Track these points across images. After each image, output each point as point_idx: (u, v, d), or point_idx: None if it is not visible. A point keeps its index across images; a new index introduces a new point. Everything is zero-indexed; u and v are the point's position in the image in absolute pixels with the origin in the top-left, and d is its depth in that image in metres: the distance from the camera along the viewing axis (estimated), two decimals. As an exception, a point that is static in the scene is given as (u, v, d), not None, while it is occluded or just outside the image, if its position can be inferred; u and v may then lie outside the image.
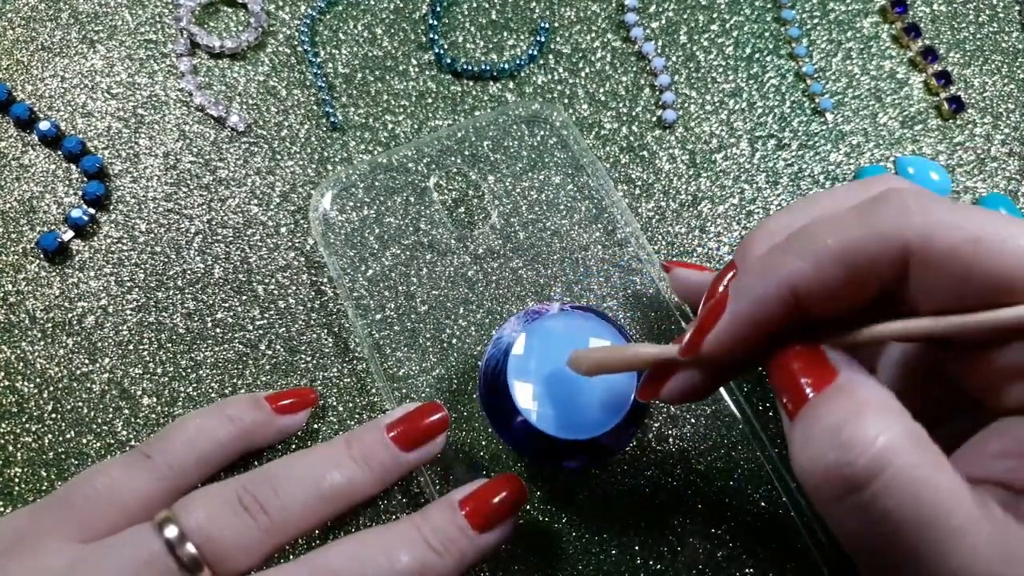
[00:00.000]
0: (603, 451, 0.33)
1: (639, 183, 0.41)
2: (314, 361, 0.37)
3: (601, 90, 0.43)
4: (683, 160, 0.42)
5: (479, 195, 0.39)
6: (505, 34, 0.44)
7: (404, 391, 0.35)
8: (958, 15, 0.47)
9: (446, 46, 0.44)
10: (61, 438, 0.35)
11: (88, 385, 0.36)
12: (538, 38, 0.44)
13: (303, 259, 0.39)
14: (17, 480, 0.35)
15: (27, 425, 0.35)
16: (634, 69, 0.44)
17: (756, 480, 0.34)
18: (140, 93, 0.42)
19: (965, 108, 0.44)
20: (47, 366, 0.36)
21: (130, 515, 0.29)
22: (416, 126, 0.42)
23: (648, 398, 0.28)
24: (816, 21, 0.46)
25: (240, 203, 0.40)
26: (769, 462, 0.34)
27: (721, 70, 0.44)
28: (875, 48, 0.45)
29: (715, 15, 0.46)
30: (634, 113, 0.43)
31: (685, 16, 0.46)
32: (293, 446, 0.35)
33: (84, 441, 0.35)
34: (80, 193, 0.40)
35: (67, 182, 0.40)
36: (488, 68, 0.43)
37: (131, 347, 0.37)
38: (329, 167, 0.41)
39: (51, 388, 0.36)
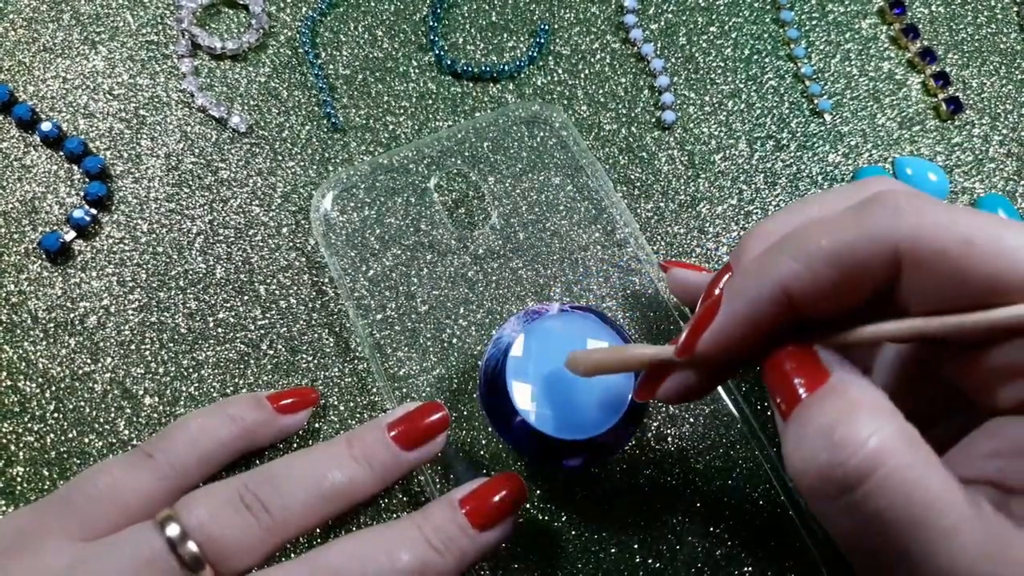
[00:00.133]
0: (602, 451, 0.33)
1: (638, 184, 0.41)
2: (315, 361, 0.37)
3: (600, 91, 0.44)
4: (682, 161, 0.42)
5: (479, 196, 0.40)
6: (505, 35, 0.45)
7: (404, 391, 0.35)
8: (956, 16, 0.47)
9: (446, 47, 0.44)
10: (63, 437, 0.36)
11: (90, 385, 0.36)
12: (538, 39, 0.44)
13: (304, 259, 0.39)
14: (19, 479, 0.35)
15: (29, 424, 0.36)
16: (633, 70, 0.44)
17: (754, 479, 0.35)
18: (142, 94, 0.42)
19: (963, 109, 0.44)
20: (49, 366, 0.37)
21: (132, 514, 0.29)
22: (416, 127, 0.42)
23: (645, 398, 0.28)
24: (815, 22, 0.46)
25: (242, 204, 0.40)
26: (767, 461, 0.34)
27: (720, 71, 0.44)
28: (873, 49, 0.45)
29: (714, 17, 0.46)
30: (633, 114, 0.43)
31: (684, 18, 0.46)
32: (294, 445, 0.35)
33: (86, 440, 0.36)
34: (82, 194, 0.40)
35: (69, 183, 0.40)
36: (488, 69, 0.43)
37: (133, 347, 0.37)
38: (330, 168, 0.41)
39: (53, 388, 0.36)
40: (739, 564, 0.33)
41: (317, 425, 0.36)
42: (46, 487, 0.35)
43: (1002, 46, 0.46)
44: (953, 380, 0.24)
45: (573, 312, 0.33)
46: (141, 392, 0.36)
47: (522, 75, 0.44)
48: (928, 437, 0.20)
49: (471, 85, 0.43)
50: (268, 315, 0.38)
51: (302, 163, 0.41)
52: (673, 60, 0.45)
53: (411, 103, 0.43)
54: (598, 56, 0.44)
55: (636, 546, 0.33)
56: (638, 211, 0.41)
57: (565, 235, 0.39)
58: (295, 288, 0.38)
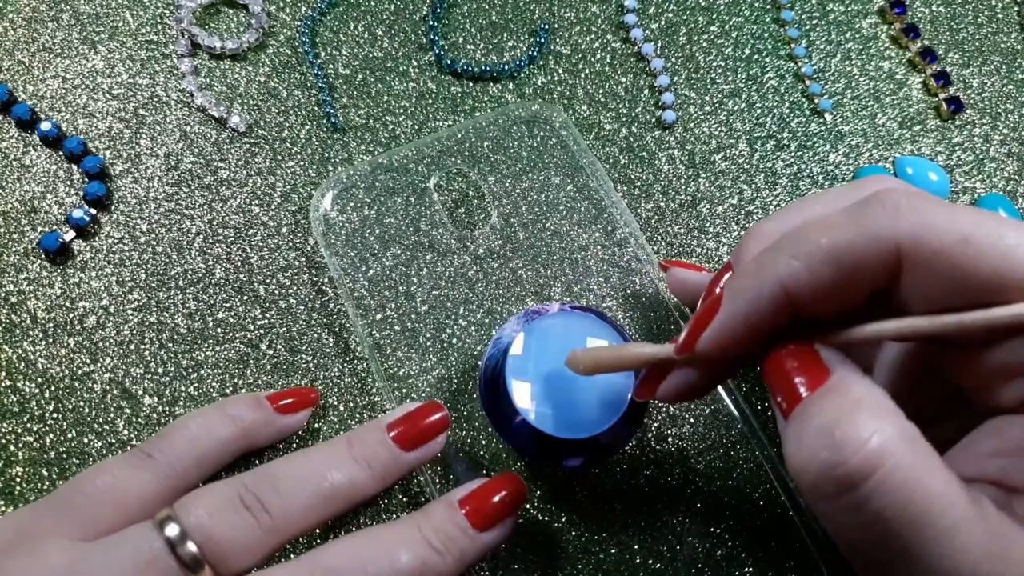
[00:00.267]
0: (602, 450, 0.33)
1: (638, 183, 0.41)
2: (315, 361, 0.37)
3: (601, 91, 0.44)
4: (682, 161, 0.42)
5: (479, 195, 0.40)
6: (505, 35, 0.45)
7: (404, 391, 0.35)
8: (957, 16, 0.47)
9: (446, 47, 0.44)
10: (63, 437, 0.35)
11: (89, 385, 0.36)
12: (538, 39, 0.44)
13: (304, 259, 0.39)
14: (19, 479, 0.35)
15: (29, 425, 0.36)
16: (634, 70, 0.44)
17: (755, 479, 0.34)
18: (141, 94, 0.42)
19: (964, 108, 0.44)
20: (49, 366, 0.37)
21: (131, 514, 0.29)
22: (416, 127, 0.42)
23: (645, 397, 0.28)
24: (815, 22, 0.46)
25: (241, 203, 0.40)
26: (768, 461, 0.34)
27: (720, 71, 0.44)
28: (874, 49, 0.45)
29: (714, 16, 0.46)
30: (633, 114, 0.43)
31: (685, 17, 0.46)
32: (294, 445, 0.35)
33: (85, 440, 0.36)
34: (81, 193, 0.40)
35: (68, 182, 0.40)
36: (488, 69, 0.43)
37: (132, 347, 0.37)
38: (330, 168, 0.41)
39: (53, 388, 0.36)
40: (739, 564, 0.33)
41: (317, 425, 0.36)
42: (45, 487, 0.35)
43: (1003, 46, 0.46)
44: (954, 379, 0.24)
45: (572, 311, 0.33)
46: (140, 392, 0.36)
47: (522, 75, 0.44)
48: (930, 436, 0.20)
49: (471, 85, 0.43)
50: (267, 315, 0.38)
51: (302, 163, 0.41)
52: (673, 60, 0.44)
53: (411, 103, 0.43)
54: (598, 56, 0.44)
55: (636, 546, 0.33)
56: (638, 211, 0.41)
57: (565, 235, 0.38)
58: (295, 288, 0.38)
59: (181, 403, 0.36)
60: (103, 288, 0.38)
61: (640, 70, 0.44)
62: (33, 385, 0.36)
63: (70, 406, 0.36)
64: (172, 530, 0.27)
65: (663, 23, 0.45)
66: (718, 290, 0.25)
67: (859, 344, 0.23)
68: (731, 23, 0.45)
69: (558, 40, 0.45)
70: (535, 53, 0.44)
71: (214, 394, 0.36)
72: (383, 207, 0.39)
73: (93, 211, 0.39)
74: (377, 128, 0.42)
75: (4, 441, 0.35)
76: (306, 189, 0.40)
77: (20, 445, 0.35)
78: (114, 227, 0.39)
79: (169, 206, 0.40)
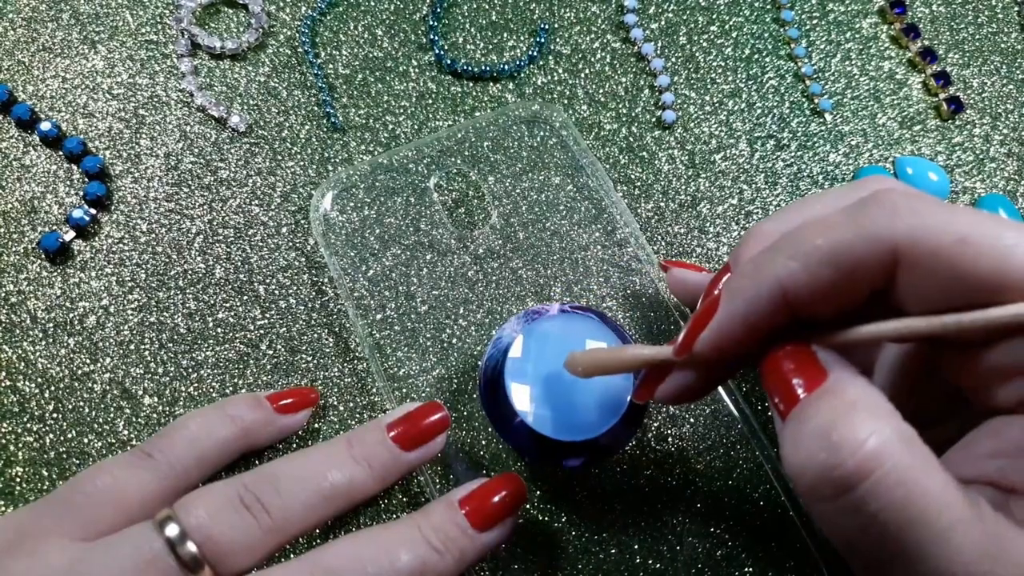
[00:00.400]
0: (602, 451, 0.33)
1: (638, 183, 0.41)
2: (315, 361, 0.37)
3: (601, 91, 0.44)
4: (682, 161, 0.42)
5: (479, 195, 0.40)
6: (505, 35, 0.45)
7: (404, 391, 0.35)
8: (957, 16, 0.47)
9: (446, 47, 0.44)
10: (62, 438, 0.36)
11: (89, 385, 0.36)
12: (538, 39, 0.44)
13: (304, 259, 0.39)
14: (18, 480, 0.35)
15: (28, 425, 0.36)
16: (634, 70, 0.44)
17: (755, 480, 0.34)
18: (141, 94, 0.42)
19: (964, 108, 0.44)
20: (48, 366, 0.37)
21: (131, 514, 0.29)
22: (416, 127, 0.42)
23: (644, 399, 0.28)
24: (815, 22, 0.46)
25: (241, 203, 0.40)
26: (768, 462, 0.34)
27: (720, 71, 0.44)
28: (874, 49, 0.45)
29: (714, 16, 0.46)
30: (633, 114, 0.43)
31: (685, 17, 0.46)
32: (294, 445, 0.35)
33: (85, 440, 0.36)
34: (81, 193, 0.40)
35: (68, 182, 0.40)
36: (488, 69, 0.43)
37: (132, 347, 0.37)
38: (330, 167, 0.41)
39: (52, 388, 0.36)
40: (739, 564, 0.33)
41: (317, 425, 0.36)
42: (45, 487, 0.35)
43: (1003, 46, 0.46)
44: (953, 379, 0.24)
45: (572, 313, 0.33)
46: (140, 392, 0.36)
47: (522, 75, 0.44)
48: (928, 437, 0.20)
49: (471, 85, 0.43)
50: (267, 315, 0.38)
51: (301, 163, 0.41)
52: (673, 60, 0.44)
53: (411, 103, 0.43)
54: (598, 56, 0.44)
55: (636, 546, 0.33)
56: (638, 211, 0.41)
57: (565, 235, 0.38)
58: (294, 288, 0.38)
59: (181, 403, 0.36)
60: (103, 288, 0.38)
61: (640, 70, 0.44)
62: (33, 385, 0.36)
63: (70, 406, 0.36)
64: (172, 530, 0.27)
65: (663, 23, 0.45)
66: (717, 291, 0.25)
67: (858, 345, 0.23)
68: (731, 23, 0.45)
69: (558, 40, 0.45)
70: (535, 53, 0.44)
71: (214, 394, 0.36)
72: (383, 207, 0.39)
73: (93, 211, 0.39)
74: (377, 128, 0.42)
75: (4, 441, 0.35)
76: (306, 189, 0.40)
77: (20, 445, 0.35)
78: (114, 227, 0.39)
79: (169, 206, 0.40)
